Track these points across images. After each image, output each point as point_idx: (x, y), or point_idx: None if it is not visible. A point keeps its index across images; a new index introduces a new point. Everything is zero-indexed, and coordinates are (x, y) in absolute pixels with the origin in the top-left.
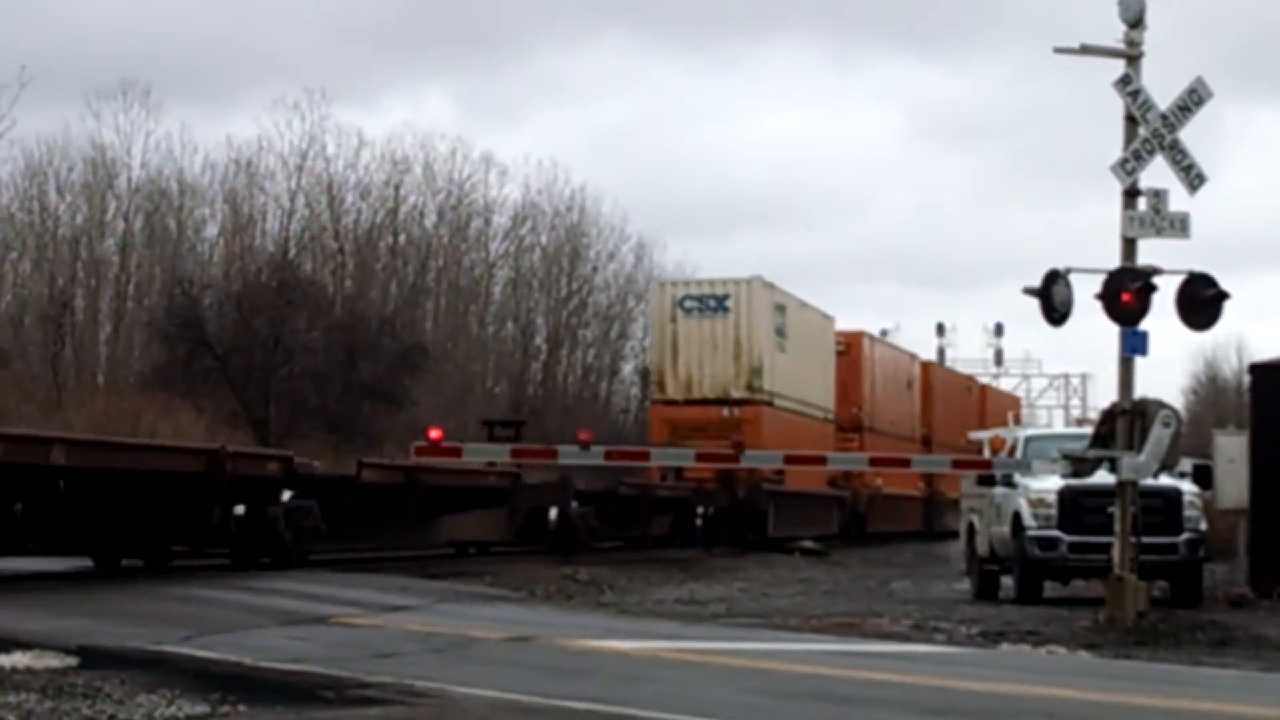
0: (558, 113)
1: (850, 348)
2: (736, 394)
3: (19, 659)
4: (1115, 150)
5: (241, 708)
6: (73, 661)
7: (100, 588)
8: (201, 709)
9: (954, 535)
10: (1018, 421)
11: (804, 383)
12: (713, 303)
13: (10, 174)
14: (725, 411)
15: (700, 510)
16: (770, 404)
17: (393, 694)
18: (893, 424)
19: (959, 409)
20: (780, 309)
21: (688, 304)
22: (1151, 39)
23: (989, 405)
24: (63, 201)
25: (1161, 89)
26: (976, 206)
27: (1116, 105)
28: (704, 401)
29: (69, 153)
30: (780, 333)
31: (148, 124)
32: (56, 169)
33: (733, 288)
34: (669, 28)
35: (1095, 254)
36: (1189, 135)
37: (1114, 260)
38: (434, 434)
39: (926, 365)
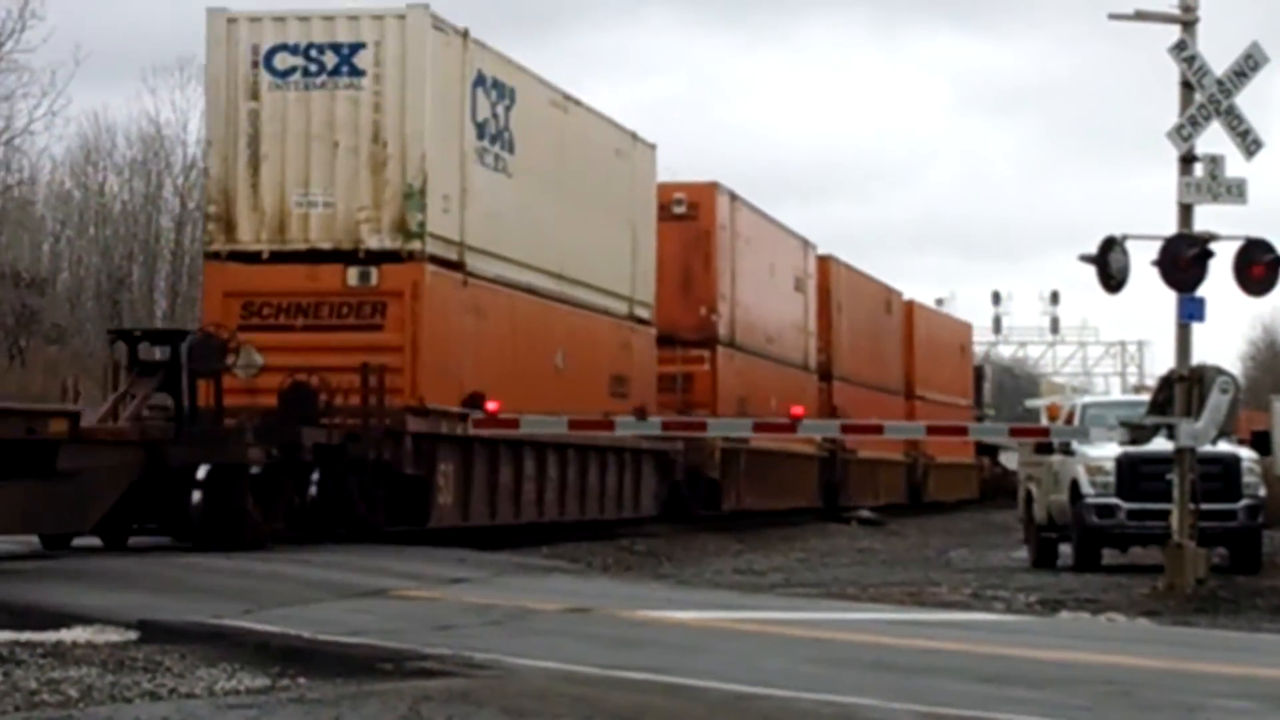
0: (605, 89)
1: (698, 210)
2: (375, 242)
3: (79, 634)
4: (1166, 118)
5: (301, 680)
6: (132, 635)
7: (157, 562)
8: (262, 681)
9: (942, 507)
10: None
11: (558, 243)
12: (330, 58)
13: (66, 151)
14: (351, 277)
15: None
16: (454, 265)
17: (451, 666)
18: (770, 340)
19: (868, 329)
20: (490, 87)
21: (281, 62)
22: (1202, 6)
23: (925, 332)
24: (118, 178)
25: (1211, 57)
26: (1027, 176)
27: (1165, 73)
28: (306, 257)
29: (124, 130)
30: (492, 131)
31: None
32: (111, 146)
33: (371, 29)
34: (712, 3)
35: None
36: (1243, 101)
37: (1170, 226)
38: (491, 406)
39: (826, 260)
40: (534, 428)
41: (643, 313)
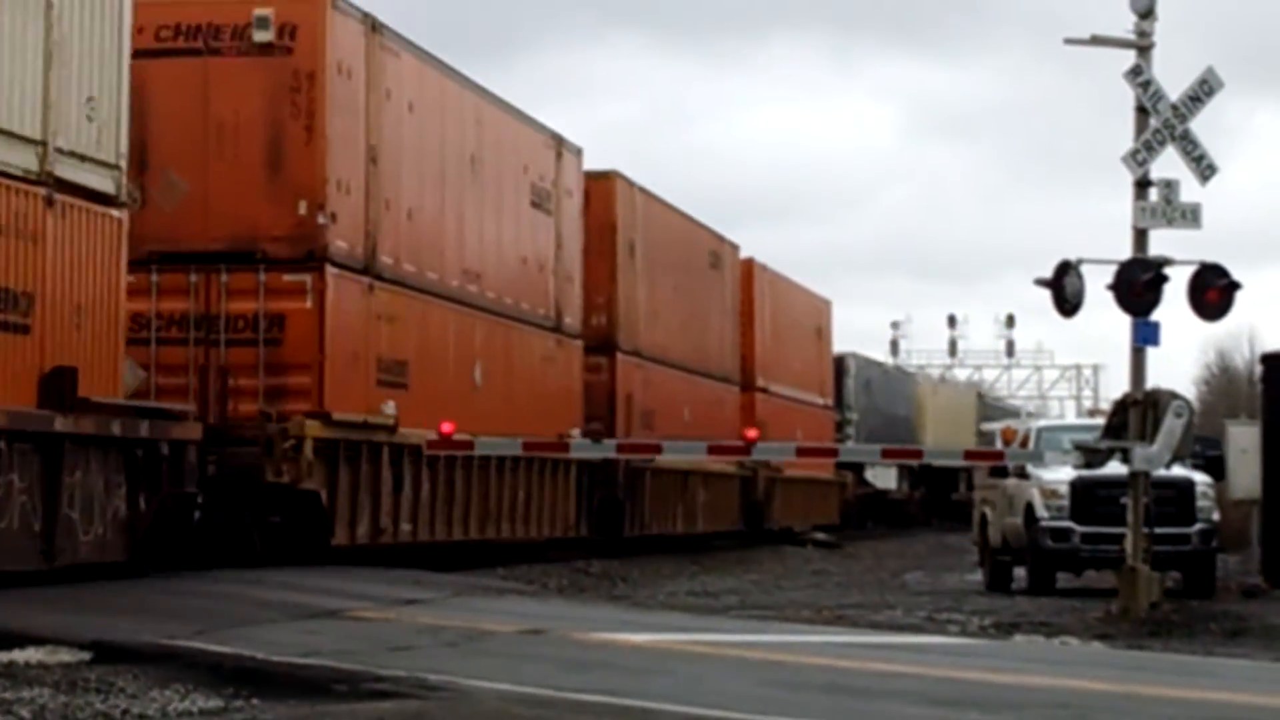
0: (564, 111)
1: (296, 37)
2: None
3: (32, 654)
4: (1121, 143)
5: (255, 701)
6: (85, 656)
7: (111, 584)
8: (215, 703)
9: (788, 539)
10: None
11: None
12: None
13: None
14: None
15: None
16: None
17: (406, 687)
18: (469, 274)
19: (682, 289)
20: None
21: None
22: (1157, 32)
23: (771, 304)
24: None
25: (1166, 82)
26: (982, 200)
27: (1120, 98)
28: None
29: None
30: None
31: None
32: None
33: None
34: (672, 29)
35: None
36: (1197, 126)
37: (1125, 251)
38: (445, 428)
39: (610, 177)
40: (489, 450)
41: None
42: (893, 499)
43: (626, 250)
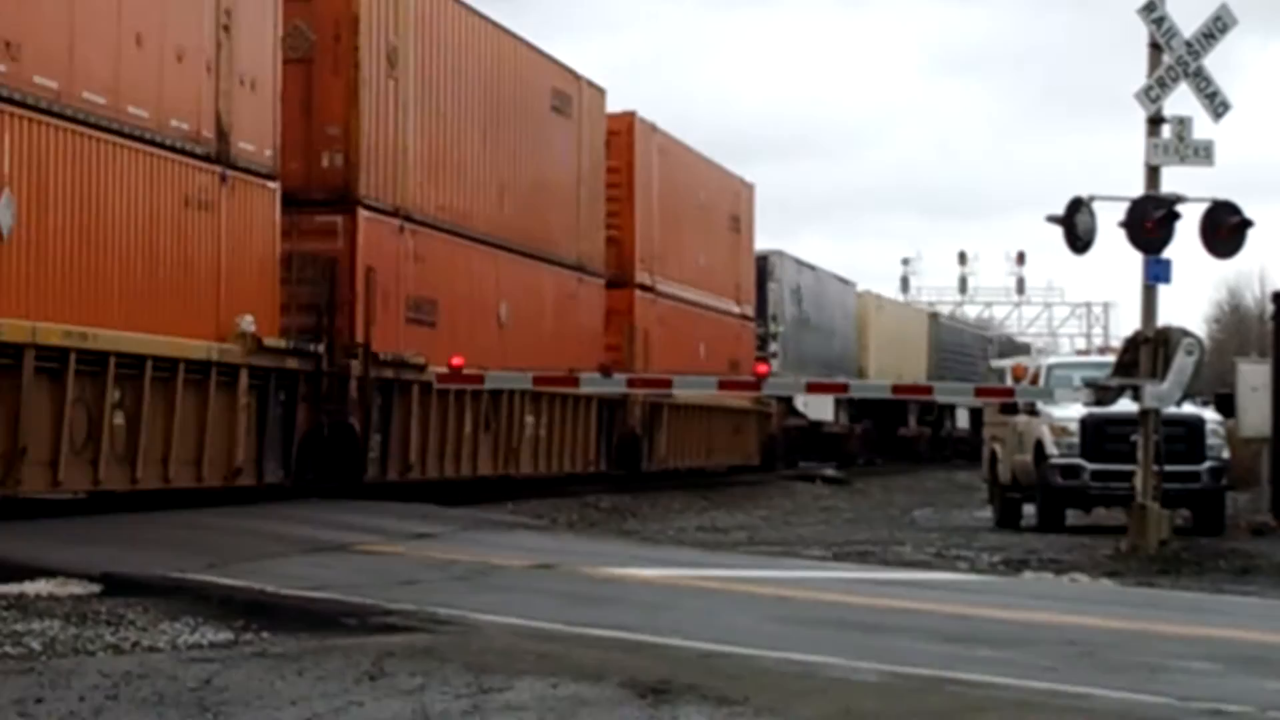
0: (574, 47)
1: None
2: None
3: (42, 586)
4: (1133, 80)
5: (265, 634)
6: (96, 589)
7: (123, 516)
8: (225, 635)
9: (677, 480)
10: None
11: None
12: None
13: None
14: None
15: None
16: None
17: (415, 621)
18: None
19: (512, 144)
20: None
21: None
22: None
23: (657, 176)
24: None
25: (1180, 19)
26: (994, 137)
27: (1133, 36)
28: None
29: None
30: None
31: None
32: None
33: None
34: None
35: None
36: (1211, 63)
37: (1137, 188)
38: (455, 361)
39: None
40: (499, 383)
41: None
42: (829, 433)
43: (377, 61)
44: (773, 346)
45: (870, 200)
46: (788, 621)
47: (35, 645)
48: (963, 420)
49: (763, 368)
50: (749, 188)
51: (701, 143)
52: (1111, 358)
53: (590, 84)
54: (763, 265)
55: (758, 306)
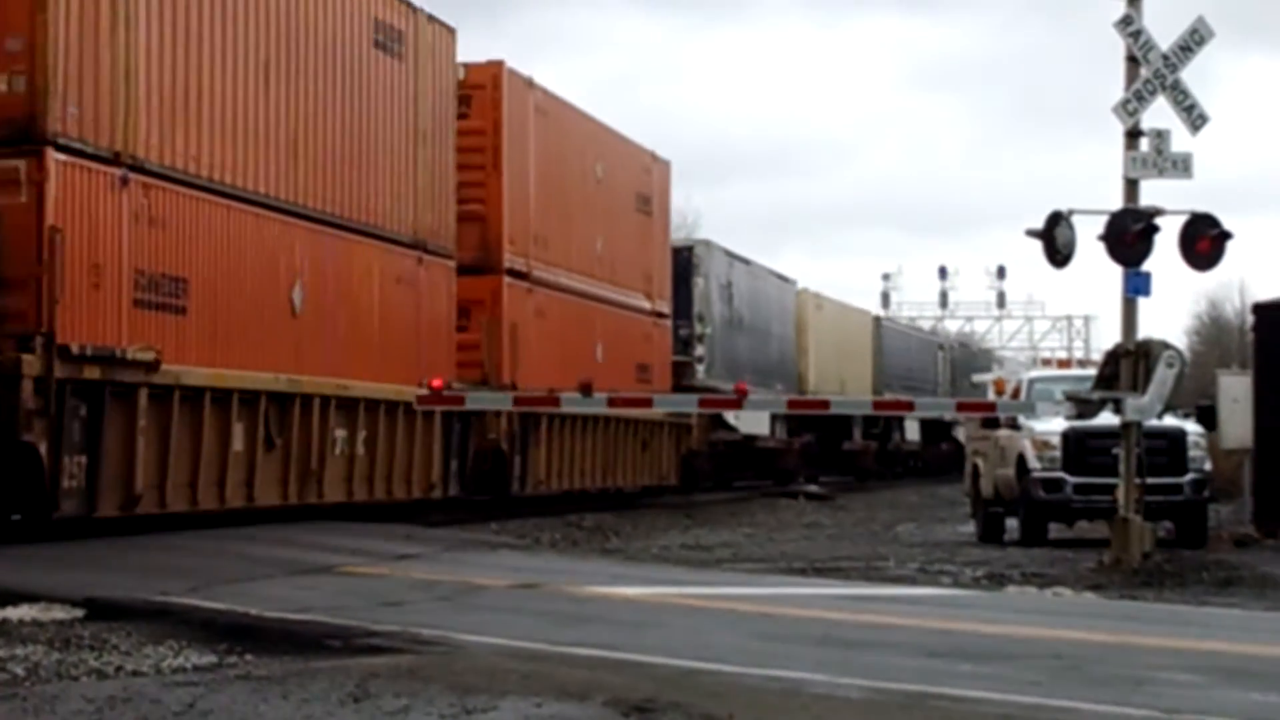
0: (553, 66)
1: None
2: None
3: (25, 611)
4: (1108, 95)
5: (249, 657)
6: (79, 613)
7: (105, 541)
8: (209, 659)
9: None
10: None
11: None
12: None
13: None
14: None
15: None
16: None
17: (399, 642)
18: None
19: (321, 90)
20: None
21: None
22: None
23: (534, 141)
24: None
25: (1156, 32)
26: (972, 152)
27: (1108, 50)
28: None
29: None
30: None
31: None
32: None
33: None
34: None
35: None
36: (1187, 76)
37: (1116, 202)
38: (435, 382)
39: None
40: (482, 404)
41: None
42: (764, 448)
43: None
44: (699, 350)
45: (850, 216)
46: (771, 638)
47: (19, 671)
48: (912, 433)
49: (742, 385)
50: (662, 164)
51: (679, 160)
52: (1076, 370)
53: (432, 19)
54: (687, 257)
55: (681, 304)
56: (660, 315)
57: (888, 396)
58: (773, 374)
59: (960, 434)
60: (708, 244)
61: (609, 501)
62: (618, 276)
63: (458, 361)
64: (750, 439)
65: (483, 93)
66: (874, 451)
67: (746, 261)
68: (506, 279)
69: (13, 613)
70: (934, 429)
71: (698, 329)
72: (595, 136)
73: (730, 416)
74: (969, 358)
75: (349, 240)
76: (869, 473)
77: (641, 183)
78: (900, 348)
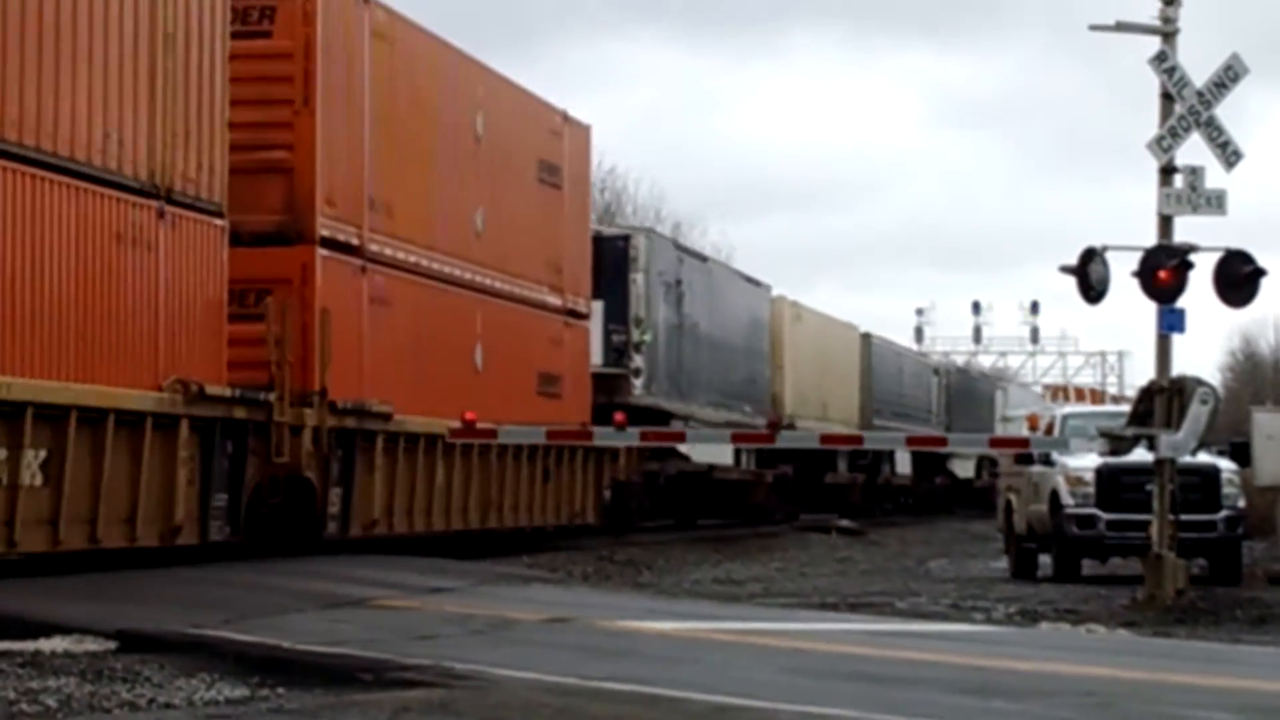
0: (587, 101)
1: None
2: None
3: (58, 643)
4: (1141, 131)
5: (281, 690)
6: (111, 645)
7: (138, 573)
8: (241, 692)
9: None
10: None
11: None
12: None
13: None
14: None
15: None
16: None
17: (432, 676)
18: None
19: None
20: None
21: None
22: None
23: (397, 85)
24: None
25: (1191, 69)
26: (1003, 188)
27: (1140, 86)
28: None
29: None
30: None
31: None
32: None
33: None
34: (692, 19)
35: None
36: (1222, 113)
37: (1150, 238)
38: (469, 415)
39: None
40: (512, 438)
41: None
42: (724, 479)
43: None
44: (636, 360)
45: (884, 251)
46: (804, 674)
47: (51, 703)
48: (904, 465)
49: (772, 416)
50: (579, 128)
51: (713, 197)
52: (1110, 406)
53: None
54: (623, 248)
55: (614, 305)
56: (576, 315)
57: (877, 424)
58: (738, 394)
59: (955, 467)
60: (650, 233)
61: (498, 545)
62: (509, 262)
63: (237, 359)
64: (706, 470)
65: (289, 4)
66: (861, 485)
67: (703, 258)
68: (322, 252)
69: (45, 644)
70: (927, 462)
71: (635, 335)
72: (475, 82)
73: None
74: (967, 383)
75: (23, 173)
76: (854, 510)
77: (547, 148)
78: (892, 370)
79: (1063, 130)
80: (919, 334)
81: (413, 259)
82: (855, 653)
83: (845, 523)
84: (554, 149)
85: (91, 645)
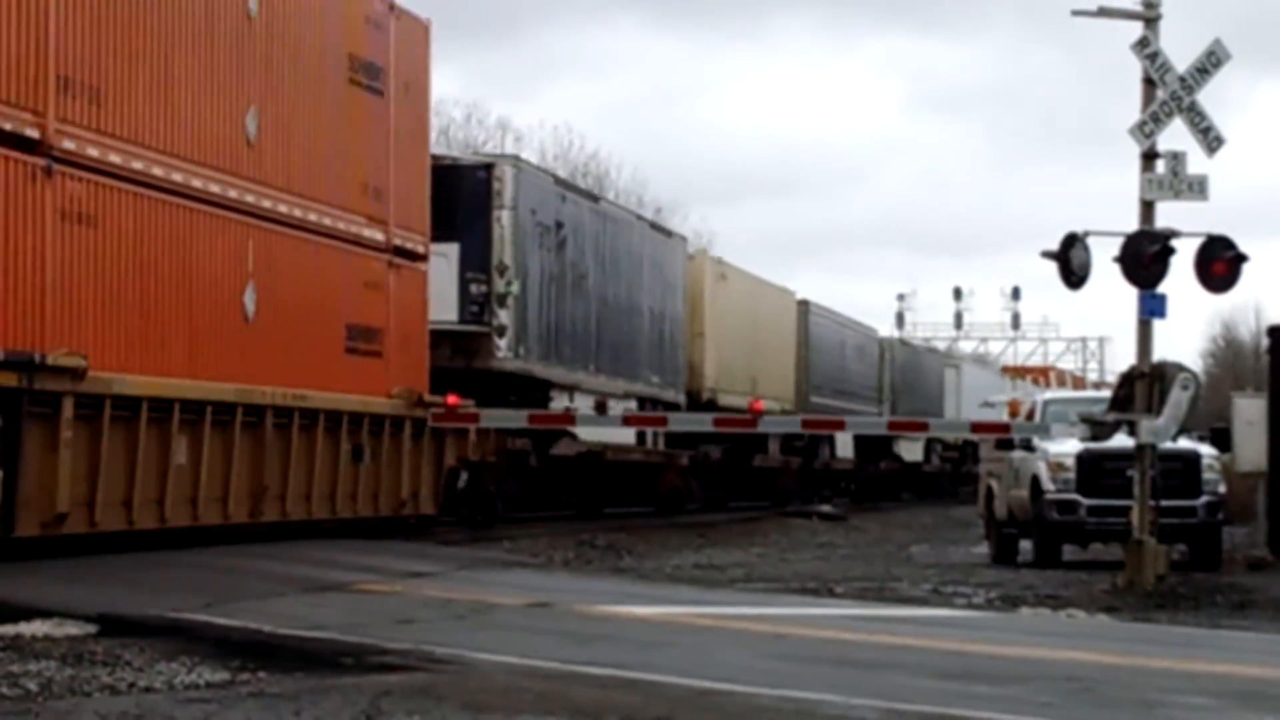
0: (569, 88)
1: None
2: None
3: (38, 627)
4: (1122, 118)
5: (261, 674)
6: (92, 629)
7: (118, 557)
8: (222, 676)
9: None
10: None
11: None
12: None
13: None
14: None
15: None
16: None
17: (412, 660)
18: None
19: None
20: None
21: None
22: (1164, 3)
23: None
24: None
25: (1173, 54)
26: (984, 174)
27: (1121, 72)
28: None
29: None
30: None
31: None
32: None
33: None
34: (676, 6)
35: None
36: (1204, 98)
37: (1131, 223)
38: (451, 399)
39: None
40: (495, 422)
41: None
42: (620, 460)
43: None
44: (501, 316)
45: (865, 237)
46: (785, 659)
47: (32, 686)
48: (845, 449)
49: (758, 404)
50: (412, 22)
51: (693, 183)
52: (1090, 392)
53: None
54: (485, 179)
55: (473, 248)
56: (407, 254)
57: (814, 401)
58: (643, 362)
59: (902, 450)
60: (518, 161)
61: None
62: (298, 181)
63: None
64: (597, 452)
65: None
66: (796, 470)
67: (595, 198)
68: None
69: (26, 628)
70: (871, 445)
71: (499, 285)
72: None
73: (581, 430)
74: (914, 359)
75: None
76: (787, 496)
77: (363, 41)
78: (833, 342)
79: (1043, 115)
80: (900, 319)
81: (137, 165)
82: (837, 638)
83: (827, 508)
84: (374, 44)
85: (72, 629)
